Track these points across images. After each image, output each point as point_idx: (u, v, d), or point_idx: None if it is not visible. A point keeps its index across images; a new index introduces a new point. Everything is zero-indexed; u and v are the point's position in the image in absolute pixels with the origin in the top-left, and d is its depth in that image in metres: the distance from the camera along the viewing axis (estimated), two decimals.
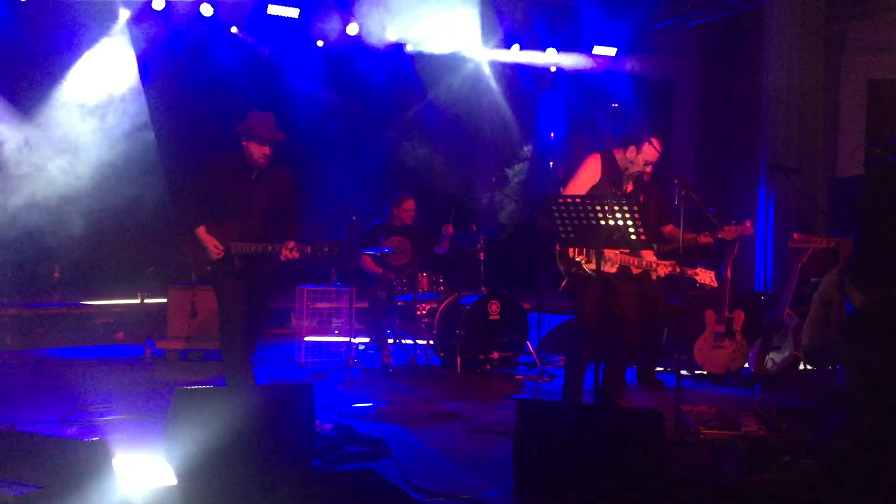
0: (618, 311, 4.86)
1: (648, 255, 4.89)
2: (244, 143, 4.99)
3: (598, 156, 5.01)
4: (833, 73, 9.12)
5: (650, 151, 4.94)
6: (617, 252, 4.71)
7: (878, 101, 9.26)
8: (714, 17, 9.27)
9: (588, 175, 4.95)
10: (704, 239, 5.73)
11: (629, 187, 5.08)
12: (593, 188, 4.89)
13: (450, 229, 7.16)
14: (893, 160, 6.49)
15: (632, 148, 4.99)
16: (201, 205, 5.00)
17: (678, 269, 4.81)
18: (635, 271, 4.81)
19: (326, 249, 5.05)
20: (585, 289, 4.78)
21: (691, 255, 5.84)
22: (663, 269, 4.82)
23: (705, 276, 4.92)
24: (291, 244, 4.94)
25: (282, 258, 4.96)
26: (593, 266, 4.67)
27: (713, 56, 10.06)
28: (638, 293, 5.03)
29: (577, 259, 4.67)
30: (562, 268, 4.77)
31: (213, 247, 4.93)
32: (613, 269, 4.77)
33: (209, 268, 4.99)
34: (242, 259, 4.98)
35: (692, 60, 10.28)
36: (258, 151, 4.95)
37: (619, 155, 5.06)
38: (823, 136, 8.73)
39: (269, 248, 4.95)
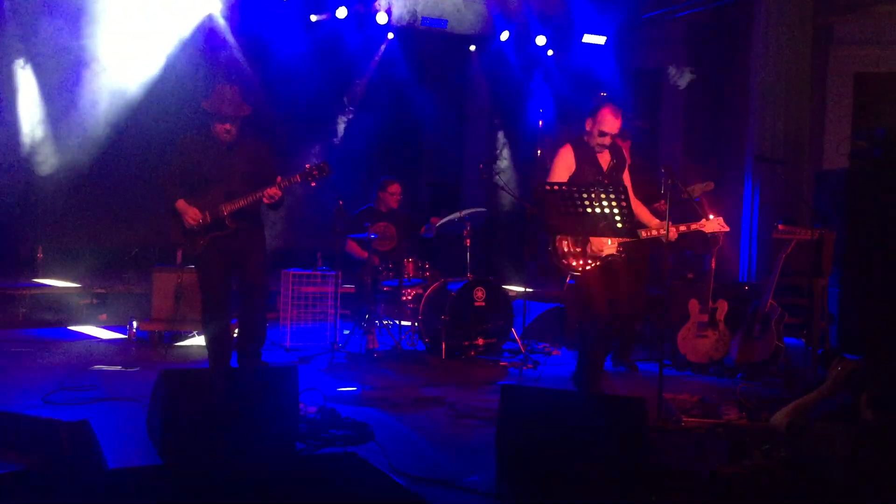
0: (620, 290, 4.81)
1: (653, 223, 4.84)
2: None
3: (568, 146, 4.91)
4: (820, 65, 9.16)
5: (604, 120, 4.78)
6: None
7: (865, 94, 9.32)
8: (703, 8, 9.28)
9: (564, 167, 4.86)
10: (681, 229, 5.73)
11: (607, 160, 4.94)
12: (574, 176, 4.82)
13: (437, 221, 7.17)
14: (878, 153, 6.54)
15: (588, 120, 4.88)
16: (180, 182, 4.96)
17: (689, 227, 4.75)
18: (645, 235, 4.76)
19: (316, 173, 4.95)
20: (587, 277, 4.73)
21: (678, 243, 5.84)
22: (674, 231, 4.67)
23: (713, 225, 4.84)
24: (279, 178, 4.88)
25: (275, 194, 4.85)
26: (585, 251, 4.67)
27: (702, 47, 10.08)
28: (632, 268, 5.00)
29: (568, 250, 4.65)
30: (558, 262, 4.69)
31: (192, 216, 4.88)
32: (613, 250, 4.77)
33: (202, 242, 4.92)
34: (234, 218, 4.92)
35: (681, 51, 10.29)
36: (220, 128, 4.94)
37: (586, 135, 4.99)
38: (809, 129, 8.78)
39: (259, 194, 4.87)
